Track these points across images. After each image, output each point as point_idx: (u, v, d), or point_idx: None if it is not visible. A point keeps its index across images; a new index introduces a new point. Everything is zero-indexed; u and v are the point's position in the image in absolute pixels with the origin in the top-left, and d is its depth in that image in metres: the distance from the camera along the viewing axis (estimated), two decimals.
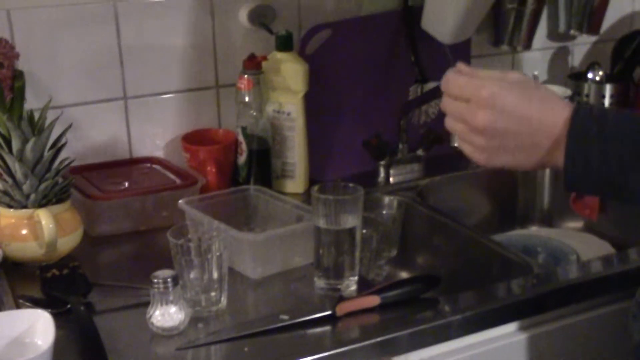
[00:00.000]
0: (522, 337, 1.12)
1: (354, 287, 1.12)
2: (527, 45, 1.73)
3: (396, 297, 1.06)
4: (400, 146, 1.52)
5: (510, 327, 1.11)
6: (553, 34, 1.83)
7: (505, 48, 1.73)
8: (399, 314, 1.05)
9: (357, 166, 1.51)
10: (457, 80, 0.91)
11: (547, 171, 1.62)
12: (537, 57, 1.83)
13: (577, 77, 1.77)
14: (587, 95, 1.73)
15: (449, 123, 0.94)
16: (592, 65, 1.73)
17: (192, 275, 1.05)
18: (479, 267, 1.29)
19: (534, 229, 1.64)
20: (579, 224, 1.59)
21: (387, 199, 1.40)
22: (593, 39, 1.86)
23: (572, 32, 1.79)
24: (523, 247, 1.46)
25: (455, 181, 1.57)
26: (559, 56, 1.86)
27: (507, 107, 0.88)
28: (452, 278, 1.27)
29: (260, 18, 1.47)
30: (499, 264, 1.26)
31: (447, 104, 0.93)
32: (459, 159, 1.60)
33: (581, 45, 1.87)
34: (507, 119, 0.88)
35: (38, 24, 1.34)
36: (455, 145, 1.32)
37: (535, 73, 1.78)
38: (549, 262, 1.42)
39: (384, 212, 1.38)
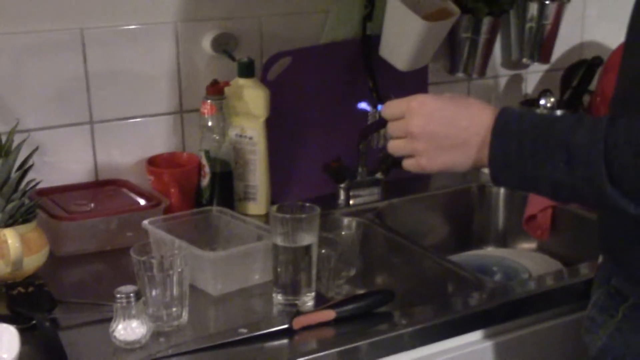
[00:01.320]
0: (475, 348, 1.15)
1: (311, 303, 1.16)
2: (482, 73, 1.79)
3: (351, 312, 1.10)
4: (360, 169, 1.55)
5: (463, 339, 1.14)
6: (506, 62, 1.89)
7: (460, 75, 1.78)
8: (354, 327, 1.08)
9: (318, 189, 1.53)
10: (391, 103, 1.00)
11: (502, 194, 1.67)
12: (491, 84, 1.88)
13: (530, 104, 1.82)
14: None
15: (391, 145, 1.01)
16: (544, 93, 1.78)
17: (154, 292, 1.07)
18: (435, 286, 1.32)
19: (489, 250, 1.67)
20: (532, 244, 1.63)
21: (346, 220, 1.43)
22: (544, 67, 1.92)
23: (524, 60, 1.85)
24: (479, 266, 1.48)
25: (413, 203, 1.60)
26: (513, 83, 1.92)
27: (436, 110, 0.96)
28: (409, 297, 1.30)
29: (223, 45, 1.51)
30: (454, 282, 1.29)
31: (388, 127, 1.01)
32: (416, 182, 1.66)
33: (534, 74, 1.93)
34: (437, 121, 0.96)
35: (5, 50, 1.36)
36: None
37: None
38: (503, 280, 1.46)
39: (343, 232, 1.41)
